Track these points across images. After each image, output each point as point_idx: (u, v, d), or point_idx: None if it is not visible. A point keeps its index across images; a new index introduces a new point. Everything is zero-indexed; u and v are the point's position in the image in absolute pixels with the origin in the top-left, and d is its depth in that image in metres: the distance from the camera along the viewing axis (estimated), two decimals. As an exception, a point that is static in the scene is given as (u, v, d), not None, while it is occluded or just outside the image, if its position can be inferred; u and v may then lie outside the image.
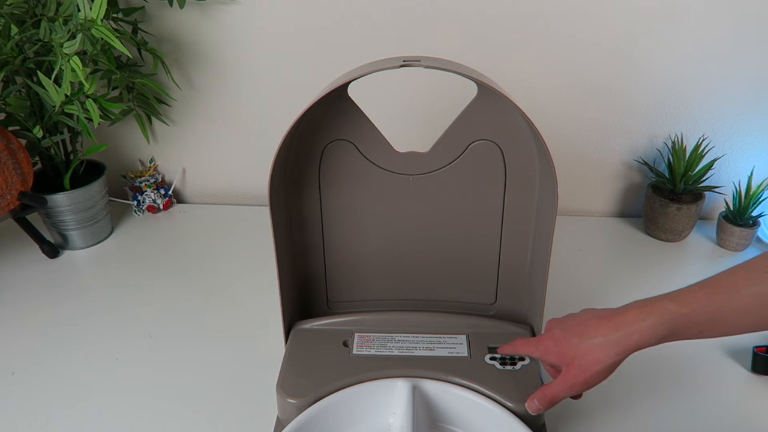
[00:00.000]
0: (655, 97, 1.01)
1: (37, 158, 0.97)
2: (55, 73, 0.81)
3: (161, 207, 1.11)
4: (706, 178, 1.00)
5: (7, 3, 0.81)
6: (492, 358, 0.66)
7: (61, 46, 0.78)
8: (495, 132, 0.65)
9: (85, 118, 0.88)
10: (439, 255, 0.72)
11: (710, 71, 0.98)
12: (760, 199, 0.97)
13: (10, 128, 0.91)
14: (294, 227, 0.70)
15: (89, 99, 0.86)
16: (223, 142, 1.11)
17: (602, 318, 0.54)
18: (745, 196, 0.97)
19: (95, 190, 0.97)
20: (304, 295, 0.74)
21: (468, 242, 0.71)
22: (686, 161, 0.98)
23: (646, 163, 1.05)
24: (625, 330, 0.52)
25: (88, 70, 0.88)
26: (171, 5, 0.97)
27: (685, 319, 0.51)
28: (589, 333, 0.54)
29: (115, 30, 0.90)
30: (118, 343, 0.79)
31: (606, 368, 0.53)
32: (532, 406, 0.58)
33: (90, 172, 0.99)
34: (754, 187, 0.97)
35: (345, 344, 0.68)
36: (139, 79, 0.96)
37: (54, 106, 0.86)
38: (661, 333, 0.51)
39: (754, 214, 0.98)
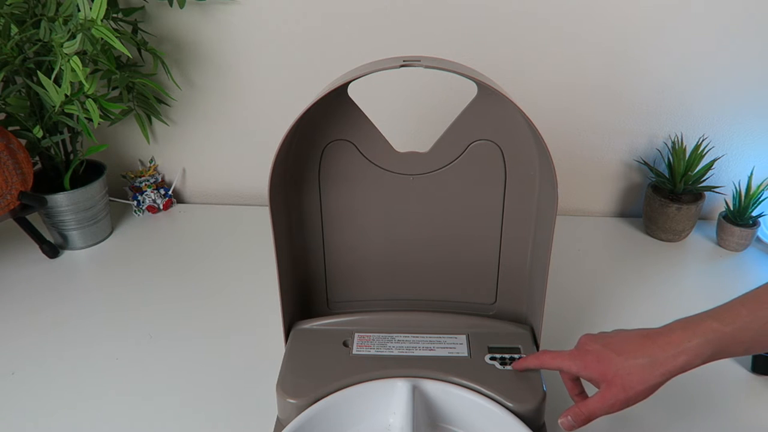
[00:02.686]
0: (655, 97, 1.01)
1: (37, 158, 0.97)
2: (55, 73, 0.81)
3: (161, 207, 1.11)
4: (706, 178, 1.00)
5: (7, 3, 0.81)
6: (492, 358, 0.66)
7: (61, 46, 0.78)
8: (495, 132, 0.65)
9: (85, 118, 0.88)
10: (439, 255, 0.72)
11: (710, 71, 0.98)
12: (760, 199, 0.97)
13: (10, 128, 0.91)
14: (294, 227, 0.70)
15: (89, 99, 0.86)
16: (223, 142, 1.11)
17: (645, 337, 0.54)
18: (745, 196, 0.97)
19: (95, 190, 0.97)
20: (304, 295, 0.74)
21: (468, 242, 0.71)
22: (686, 161, 0.98)
23: (646, 163, 1.05)
24: (671, 351, 0.51)
25: (88, 70, 0.88)
26: (171, 5, 0.97)
27: (730, 337, 0.51)
28: (633, 352, 0.53)
29: (115, 30, 0.90)
30: (118, 343, 0.79)
31: (649, 388, 0.52)
32: (566, 424, 0.57)
33: (90, 172, 0.99)
34: (754, 187, 0.97)
35: (345, 344, 0.68)
36: (139, 79, 0.96)
37: (54, 106, 0.86)
38: (707, 353, 0.51)
39: (754, 214, 0.98)
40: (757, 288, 0.52)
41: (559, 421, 0.58)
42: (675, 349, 0.51)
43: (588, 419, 0.56)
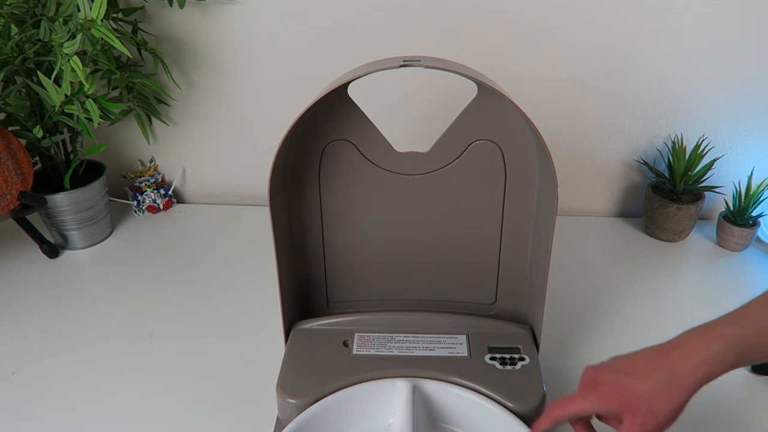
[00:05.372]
0: (655, 97, 1.01)
1: (37, 158, 0.97)
2: (55, 73, 0.81)
3: (161, 207, 1.11)
4: (706, 178, 1.00)
5: (7, 3, 0.81)
6: (492, 358, 0.66)
7: (61, 46, 0.78)
8: (495, 132, 0.65)
9: (85, 118, 0.88)
10: (439, 255, 0.72)
11: (710, 71, 0.98)
12: (760, 199, 0.97)
13: (10, 128, 0.91)
14: (294, 227, 0.70)
15: (89, 99, 0.86)
16: (223, 142, 1.11)
17: (658, 353, 0.49)
18: (745, 196, 0.97)
19: (95, 190, 0.97)
20: (304, 295, 0.74)
21: (468, 242, 0.71)
22: (686, 161, 0.98)
23: (646, 163, 1.05)
24: (691, 363, 0.47)
25: (88, 70, 0.88)
26: (171, 5, 0.97)
27: (750, 342, 0.47)
28: (649, 372, 0.48)
29: (115, 30, 0.90)
30: (118, 343, 0.79)
31: (677, 407, 0.47)
32: None
33: (90, 172, 0.99)
34: (754, 187, 0.97)
35: (345, 344, 0.68)
36: (139, 79, 0.96)
37: (54, 106, 0.86)
38: (729, 360, 0.47)
39: (754, 214, 0.98)
40: None
41: None
42: (695, 360, 0.47)
43: None
